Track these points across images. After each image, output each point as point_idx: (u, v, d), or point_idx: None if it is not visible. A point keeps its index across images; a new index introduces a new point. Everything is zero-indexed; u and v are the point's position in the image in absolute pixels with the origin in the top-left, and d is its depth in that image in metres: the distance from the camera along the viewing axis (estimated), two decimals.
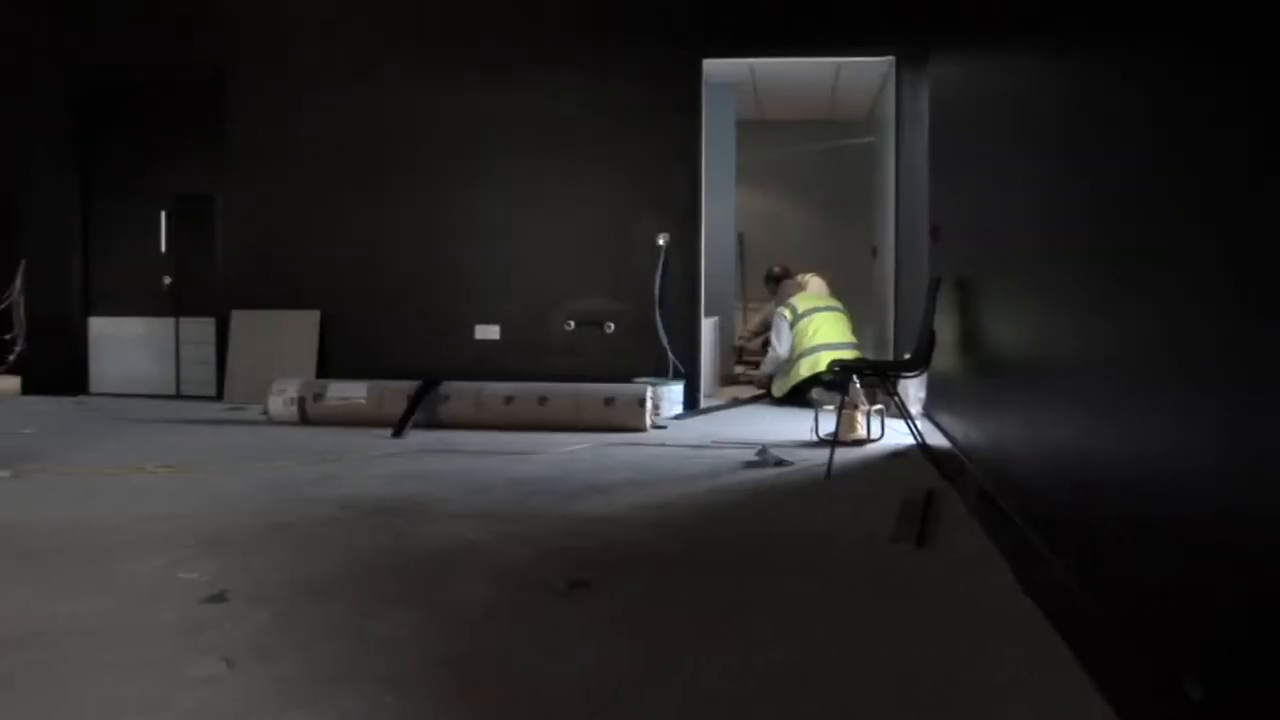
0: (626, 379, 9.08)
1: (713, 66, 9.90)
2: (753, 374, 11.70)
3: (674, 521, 5.12)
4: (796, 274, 11.11)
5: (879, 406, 7.64)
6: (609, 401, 8.23)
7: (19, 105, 10.73)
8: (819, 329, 9.61)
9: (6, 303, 10.80)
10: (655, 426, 8.34)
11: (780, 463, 6.60)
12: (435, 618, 3.58)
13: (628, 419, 8.14)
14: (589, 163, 9.84)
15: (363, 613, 3.62)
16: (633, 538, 4.76)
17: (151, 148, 10.70)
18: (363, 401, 8.43)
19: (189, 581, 3.98)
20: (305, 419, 8.48)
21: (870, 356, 10.41)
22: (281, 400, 8.55)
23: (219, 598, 3.76)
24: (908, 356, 7.31)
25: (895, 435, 7.44)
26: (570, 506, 5.43)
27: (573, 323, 9.84)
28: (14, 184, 10.79)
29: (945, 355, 6.51)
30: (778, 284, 10.92)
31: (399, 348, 9.93)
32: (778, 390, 9.82)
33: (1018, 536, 4.07)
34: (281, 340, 10.04)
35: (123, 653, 3.22)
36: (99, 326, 10.84)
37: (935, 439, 6.87)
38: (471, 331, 9.95)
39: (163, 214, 10.67)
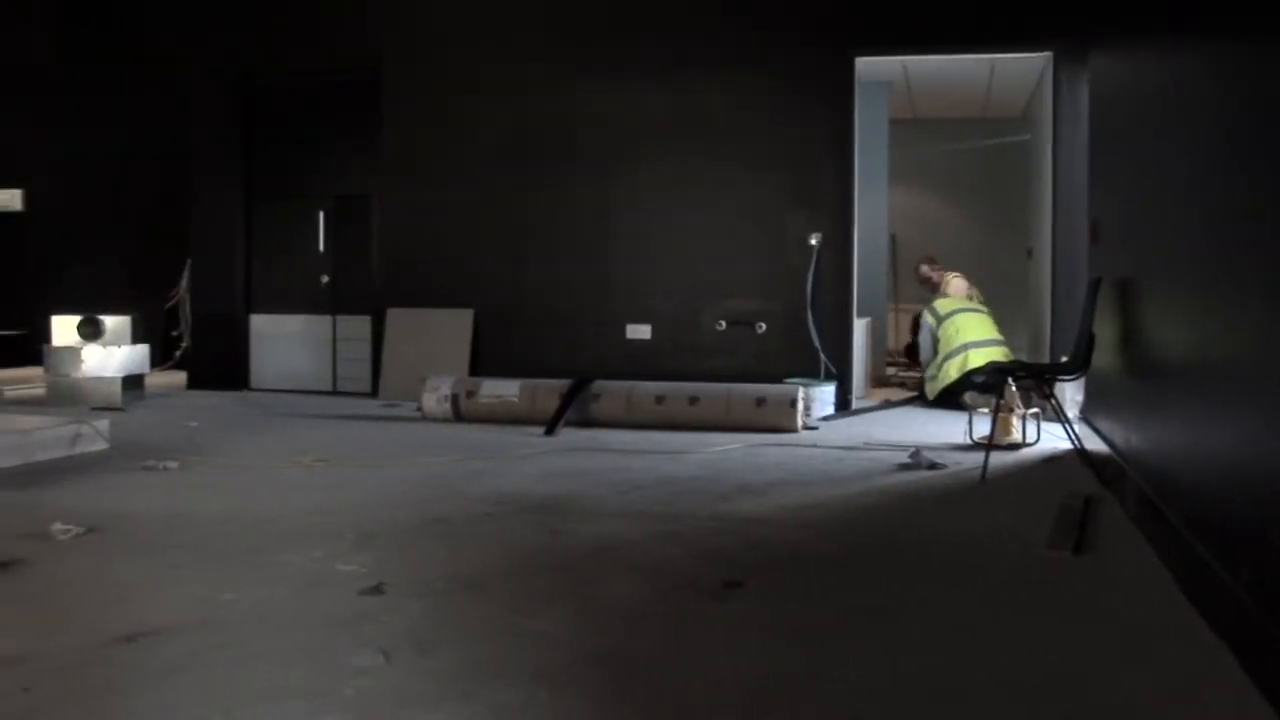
0: (778, 379, 9.03)
1: (865, 64, 9.81)
2: (904, 375, 11.69)
3: (826, 523, 5.08)
4: (942, 270, 11.07)
5: (1035, 410, 7.49)
6: (760, 402, 8.20)
7: (185, 109, 11.10)
8: (961, 329, 9.49)
9: (173, 301, 11.18)
10: (807, 427, 8.28)
11: (934, 465, 6.51)
12: (587, 615, 3.60)
13: (779, 419, 8.10)
14: (741, 162, 9.81)
15: (516, 608, 3.66)
16: (785, 539, 4.74)
17: (311, 149, 11.01)
18: (515, 399, 8.52)
19: (347, 573, 4.06)
20: (458, 416, 8.60)
21: (1018, 354, 10.26)
22: (435, 397, 8.68)
23: (376, 590, 3.84)
24: (1065, 359, 7.15)
25: (1051, 439, 7.27)
26: (722, 506, 5.41)
27: (724, 323, 9.82)
28: (181, 186, 11.15)
29: (1105, 358, 6.35)
30: (917, 272, 11.17)
31: (551, 347, 10.03)
32: (930, 393, 9.70)
33: (1182, 545, 3.94)
34: (435, 338, 10.21)
35: (284, 641, 3.31)
36: (260, 324, 11.17)
37: (1093, 443, 6.71)
38: (623, 331, 10.00)
39: (321, 214, 10.95)
